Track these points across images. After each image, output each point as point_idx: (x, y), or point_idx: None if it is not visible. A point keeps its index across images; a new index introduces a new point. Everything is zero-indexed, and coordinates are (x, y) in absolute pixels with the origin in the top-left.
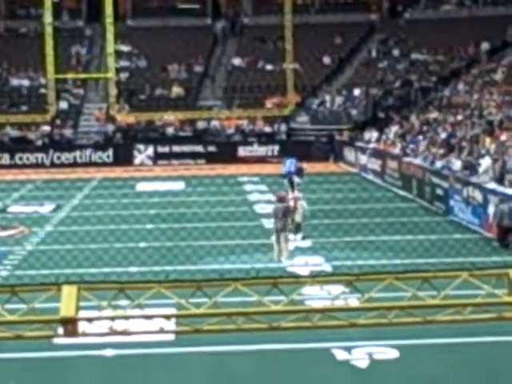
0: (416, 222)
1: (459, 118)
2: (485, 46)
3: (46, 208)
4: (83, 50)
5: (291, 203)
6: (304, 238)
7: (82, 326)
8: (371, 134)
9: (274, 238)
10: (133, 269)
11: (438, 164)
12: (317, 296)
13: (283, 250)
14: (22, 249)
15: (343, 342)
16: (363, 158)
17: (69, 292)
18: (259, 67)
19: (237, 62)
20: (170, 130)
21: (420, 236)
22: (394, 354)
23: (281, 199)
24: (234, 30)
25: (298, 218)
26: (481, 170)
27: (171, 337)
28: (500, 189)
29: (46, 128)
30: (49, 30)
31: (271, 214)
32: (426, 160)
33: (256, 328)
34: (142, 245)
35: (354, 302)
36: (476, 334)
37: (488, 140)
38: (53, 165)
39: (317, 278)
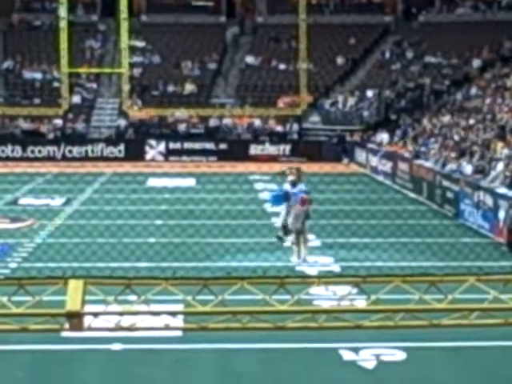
0: (425, 224)
1: (471, 121)
2: (505, 48)
3: (57, 201)
4: (97, 44)
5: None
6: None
7: (88, 321)
8: (382, 136)
9: (293, 238)
10: (140, 264)
11: (449, 167)
12: (323, 296)
13: (302, 251)
14: (30, 241)
15: (350, 343)
16: (374, 160)
17: (75, 286)
18: (272, 66)
19: (250, 60)
20: (181, 127)
21: (428, 239)
22: (401, 355)
23: (304, 202)
24: (245, 29)
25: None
26: (492, 174)
27: (179, 333)
28: (511, 194)
29: (59, 121)
30: (63, 23)
31: (292, 215)
32: (437, 163)
33: (261, 327)
34: (150, 240)
35: (360, 303)
36: (483, 338)
37: (500, 145)
38: (64, 158)
39: (324, 278)
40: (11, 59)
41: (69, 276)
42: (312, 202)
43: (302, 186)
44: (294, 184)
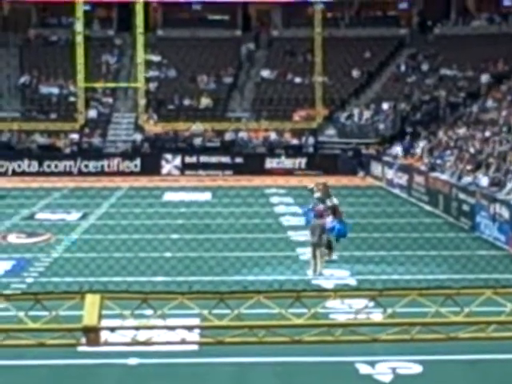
0: (441, 237)
1: (487, 134)
2: None
3: (73, 216)
4: (113, 59)
5: (329, 220)
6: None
7: (105, 335)
8: (396, 149)
9: (310, 252)
10: (156, 278)
11: (465, 180)
12: (340, 310)
13: (318, 265)
14: (47, 256)
15: (367, 357)
16: (390, 173)
17: (92, 301)
18: (288, 80)
19: (266, 74)
20: (197, 141)
21: (445, 252)
22: (417, 369)
23: (320, 215)
24: (260, 43)
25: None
26: (508, 186)
27: (195, 347)
28: None
29: (75, 136)
30: (79, 38)
31: (309, 228)
32: (453, 175)
33: (278, 341)
34: (167, 255)
35: (376, 316)
36: (500, 351)
37: None
38: (80, 173)
39: (340, 292)
40: (28, 74)
41: (86, 291)
42: (341, 214)
43: (333, 200)
44: (322, 200)
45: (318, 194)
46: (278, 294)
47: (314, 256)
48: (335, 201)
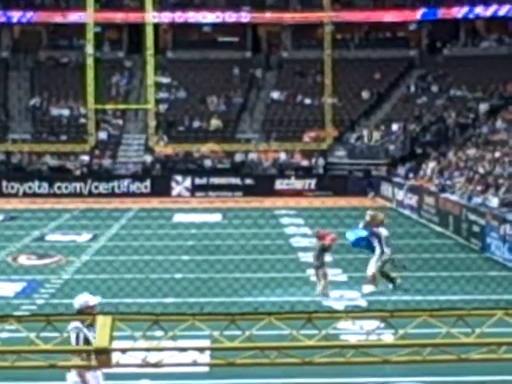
0: (452, 258)
1: (497, 155)
2: None
3: (83, 237)
4: (123, 80)
5: (328, 241)
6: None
7: (116, 357)
8: (406, 172)
9: (314, 274)
10: (167, 300)
11: (475, 201)
12: (350, 331)
13: (321, 286)
14: (58, 277)
15: (378, 378)
16: (400, 194)
17: (103, 323)
18: (298, 101)
19: (275, 95)
20: (207, 162)
21: (455, 273)
22: None
23: (318, 237)
24: (270, 64)
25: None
26: None
27: (206, 369)
28: None
29: (85, 158)
30: (90, 60)
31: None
32: (463, 196)
33: (289, 363)
34: (178, 276)
35: (387, 337)
36: (511, 373)
37: None
38: (91, 194)
39: (351, 313)
40: (38, 96)
41: (97, 312)
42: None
43: (379, 229)
44: (365, 226)
45: (366, 219)
46: (289, 315)
47: (317, 277)
48: (382, 231)
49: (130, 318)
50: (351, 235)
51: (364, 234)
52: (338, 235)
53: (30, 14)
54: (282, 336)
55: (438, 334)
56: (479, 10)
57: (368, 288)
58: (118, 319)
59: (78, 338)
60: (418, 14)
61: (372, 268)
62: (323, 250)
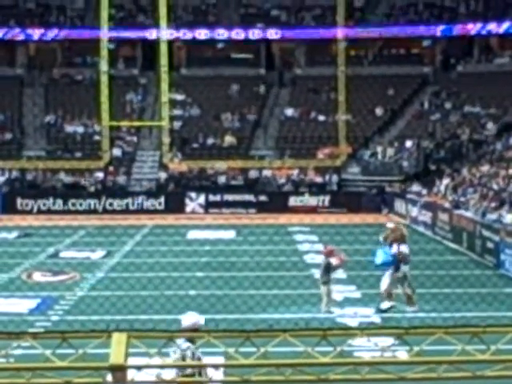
0: (466, 275)
1: (511, 171)
2: None
3: (98, 254)
4: (137, 97)
5: (335, 259)
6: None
7: (131, 374)
8: (420, 188)
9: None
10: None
11: (490, 217)
12: (365, 348)
13: (324, 303)
14: (73, 294)
15: None
16: (414, 210)
17: (119, 340)
18: (312, 118)
19: (289, 112)
20: (221, 179)
21: (470, 290)
22: None
23: (325, 254)
24: (284, 81)
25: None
26: None
27: None
28: None
29: (100, 174)
30: (104, 77)
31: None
32: (477, 213)
33: (304, 380)
34: (192, 293)
35: (402, 354)
36: None
37: None
38: (105, 211)
39: (366, 330)
40: (53, 113)
41: (112, 329)
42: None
43: (401, 247)
44: (385, 242)
45: (387, 232)
46: (304, 332)
47: (325, 293)
48: (402, 248)
49: (146, 335)
50: (380, 257)
51: (391, 253)
52: (347, 254)
53: (44, 32)
54: (296, 353)
55: (453, 351)
56: (493, 26)
57: (385, 304)
58: (133, 336)
59: (193, 357)
60: (432, 30)
61: (384, 284)
62: (328, 268)
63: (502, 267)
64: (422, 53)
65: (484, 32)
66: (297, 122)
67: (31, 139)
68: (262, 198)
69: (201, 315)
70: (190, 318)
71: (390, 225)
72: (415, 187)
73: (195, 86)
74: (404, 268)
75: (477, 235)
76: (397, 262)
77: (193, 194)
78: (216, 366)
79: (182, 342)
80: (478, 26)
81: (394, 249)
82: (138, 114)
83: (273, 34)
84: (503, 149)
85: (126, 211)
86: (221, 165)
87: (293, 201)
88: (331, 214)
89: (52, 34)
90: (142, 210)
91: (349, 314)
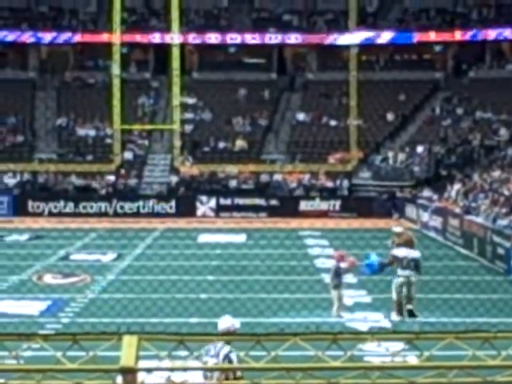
0: (477, 281)
1: None
2: None
3: (109, 257)
4: (149, 101)
5: (345, 264)
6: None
7: (141, 376)
8: (430, 193)
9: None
10: (193, 320)
11: (500, 223)
12: (375, 353)
13: (335, 307)
14: (83, 297)
15: None
16: (425, 215)
17: (129, 342)
18: (323, 122)
19: (301, 116)
20: (232, 183)
21: (481, 295)
22: None
23: (336, 258)
24: (296, 86)
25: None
26: None
27: None
28: None
29: (111, 178)
30: (116, 81)
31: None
32: (487, 218)
33: None
34: (203, 296)
35: (412, 359)
36: None
37: None
38: (116, 214)
39: (377, 334)
40: (65, 116)
41: (123, 332)
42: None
43: (411, 252)
44: (392, 243)
45: (392, 238)
46: (314, 336)
47: (333, 298)
48: (399, 252)
49: (156, 337)
50: (369, 260)
51: (374, 259)
52: (357, 259)
53: (57, 35)
54: (307, 357)
55: (463, 356)
56: (505, 32)
57: (394, 316)
58: (143, 339)
59: (227, 359)
60: (444, 36)
61: (393, 294)
62: (338, 272)
63: None
64: (433, 58)
65: (496, 38)
66: (308, 127)
67: (43, 142)
68: (273, 202)
69: (235, 319)
70: (225, 322)
71: (396, 229)
72: (426, 192)
73: (207, 89)
74: (402, 272)
75: (487, 241)
76: (388, 265)
77: (204, 198)
78: (226, 370)
79: (219, 345)
80: (490, 31)
81: (395, 252)
82: (150, 118)
83: (285, 38)
84: None
85: (136, 214)
86: (232, 169)
87: (304, 205)
88: (342, 219)
89: (64, 37)
90: (152, 214)
91: (359, 319)
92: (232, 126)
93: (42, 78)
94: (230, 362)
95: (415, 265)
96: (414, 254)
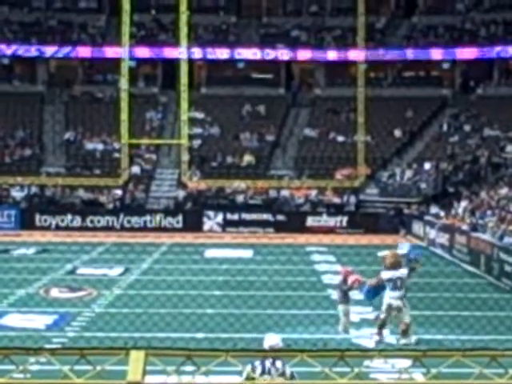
0: (485, 298)
1: None
2: None
3: (115, 271)
4: (157, 116)
5: (351, 280)
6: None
7: None
8: (438, 210)
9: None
10: (200, 335)
11: (507, 240)
12: (382, 369)
13: (342, 323)
14: (90, 311)
15: None
16: (432, 232)
17: (136, 357)
18: (330, 138)
19: (308, 132)
20: (239, 198)
21: (488, 313)
22: None
23: (342, 274)
24: (303, 101)
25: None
26: None
27: None
28: None
29: (118, 192)
30: (124, 95)
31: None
32: (494, 236)
33: None
34: (210, 311)
35: (419, 377)
36: None
37: None
38: (123, 228)
39: (383, 352)
40: (73, 130)
41: (130, 346)
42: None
43: (396, 271)
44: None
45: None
46: (321, 353)
47: (340, 314)
48: (383, 274)
49: (164, 353)
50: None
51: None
52: (365, 276)
53: (65, 49)
54: (314, 373)
55: (470, 374)
56: None
57: (402, 340)
58: (150, 354)
59: (283, 374)
60: (452, 53)
61: (382, 313)
62: (342, 288)
63: None
64: (441, 75)
65: (504, 55)
66: (316, 143)
67: (51, 156)
68: (280, 217)
69: (278, 335)
70: (272, 339)
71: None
72: (433, 209)
73: (215, 105)
74: (390, 293)
75: (494, 258)
76: (380, 287)
77: (211, 213)
78: None
79: (273, 361)
80: (498, 48)
81: (383, 275)
82: (158, 132)
83: (293, 54)
84: None
85: (143, 229)
86: (240, 184)
87: (310, 221)
88: (349, 235)
89: (73, 51)
90: (159, 228)
91: (365, 335)
92: (240, 142)
93: (50, 92)
94: (293, 377)
95: (402, 282)
96: (402, 272)
